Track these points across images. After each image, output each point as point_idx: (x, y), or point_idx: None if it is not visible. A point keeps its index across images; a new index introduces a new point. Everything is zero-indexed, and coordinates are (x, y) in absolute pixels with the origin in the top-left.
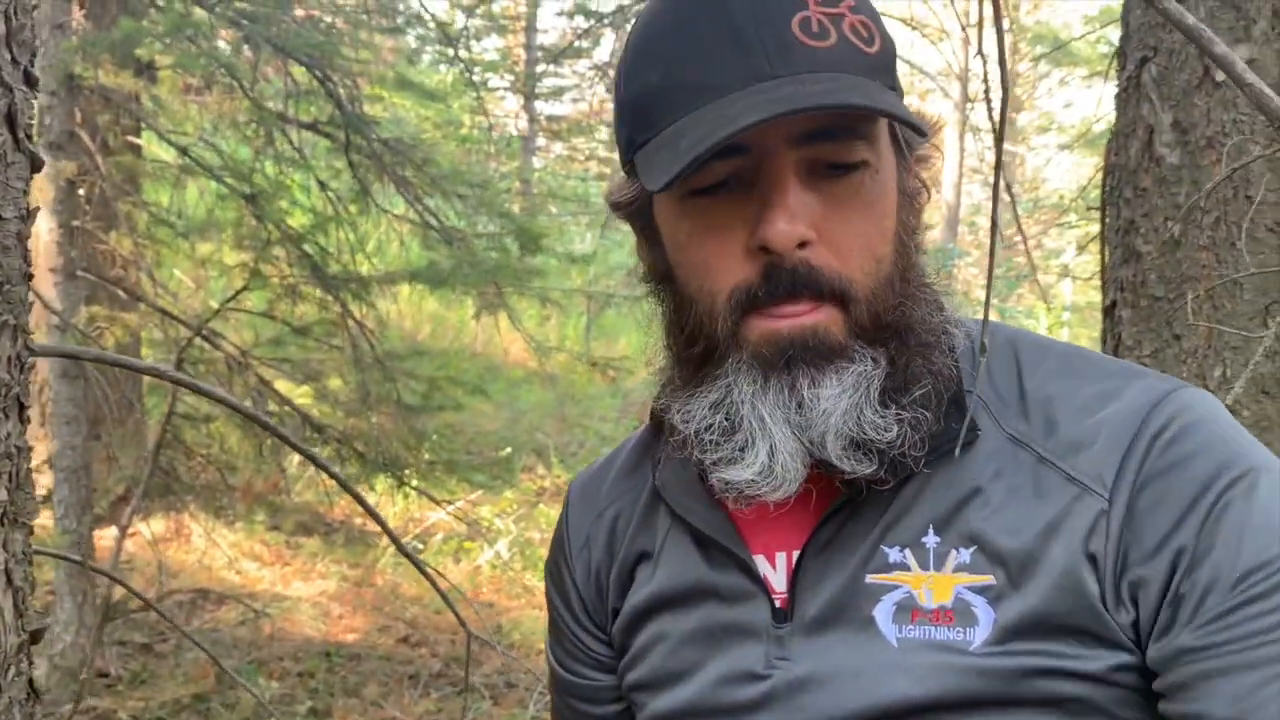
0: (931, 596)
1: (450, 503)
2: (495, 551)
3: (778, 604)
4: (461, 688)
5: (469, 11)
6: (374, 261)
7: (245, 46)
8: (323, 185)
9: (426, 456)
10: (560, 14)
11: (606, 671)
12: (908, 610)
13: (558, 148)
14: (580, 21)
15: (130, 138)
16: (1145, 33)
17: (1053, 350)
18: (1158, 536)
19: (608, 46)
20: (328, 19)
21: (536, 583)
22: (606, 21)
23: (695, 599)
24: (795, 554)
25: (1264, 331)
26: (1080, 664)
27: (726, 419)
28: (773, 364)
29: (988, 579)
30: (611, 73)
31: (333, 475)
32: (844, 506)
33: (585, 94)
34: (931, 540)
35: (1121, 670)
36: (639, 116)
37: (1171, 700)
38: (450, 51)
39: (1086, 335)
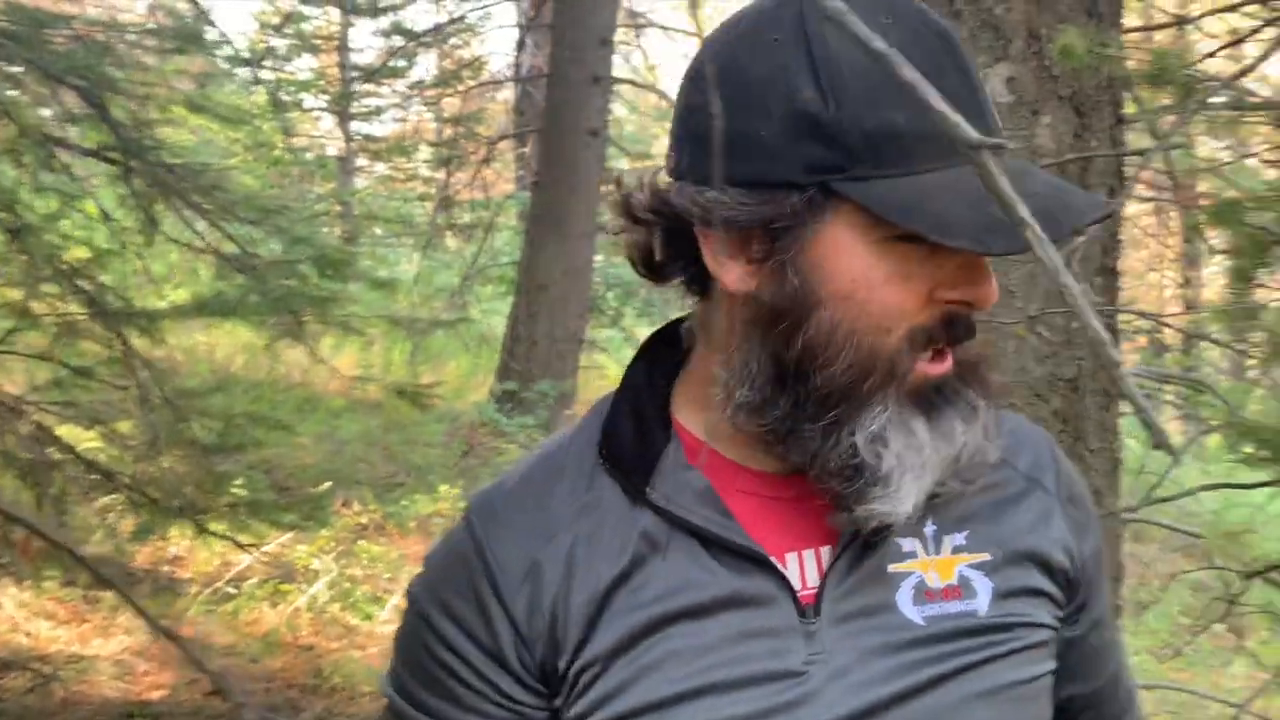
0: (938, 578)
1: (257, 546)
2: (312, 594)
3: (802, 602)
4: None
5: (277, 30)
6: (168, 294)
7: (9, 68)
8: (106, 215)
9: (228, 499)
10: (376, 33)
11: None
12: (922, 592)
13: (380, 168)
14: (397, 40)
15: None
16: None
17: None
18: (1084, 535)
19: (425, 65)
20: (106, 38)
21: (358, 622)
22: (422, 40)
23: (713, 610)
24: (807, 553)
25: (1033, 337)
26: (1044, 617)
27: (886, 452)
28: (934, 404)
29: (984, 556)
30: (430, 91)
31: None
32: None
33: (405, 113)
34: (930, 528)
35: (1056, 621)
36: (874, 149)
37: (1077, 661)
38: (253, 72)
39: None
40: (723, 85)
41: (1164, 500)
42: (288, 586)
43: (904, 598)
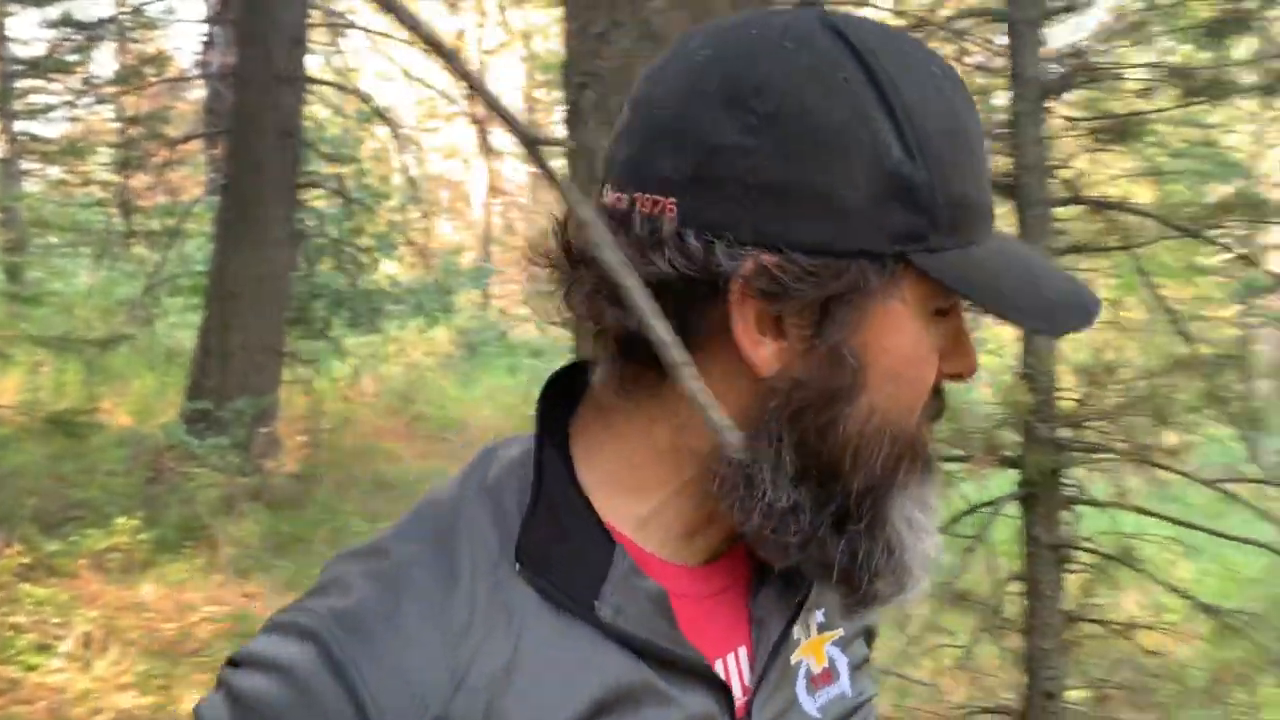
0: (815, 663)
1: None
2: None
3: (737, 713)
4: None
5: None
6: None
7: None
8: None
9: None
10: (42, 24)
11: None
12: (810, 679)
13: (53, 171)
14: (68, 33)
15: None
16: (582, 60)
17: None
18: None
19: (102, 61)
20: None
21: (21, 675)
22: (95, 33)
23: None
24: (730, 657)
25: None
26: (874, 688)
27: (922, 533)
28: (929, 468)
29: (839, 632)
30: (108, 88)
31: None
32: (762, 602)
33: (79, 111)
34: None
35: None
36: (951, 219)
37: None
38: None
39: None
40: (784, 127)
41: None
42: None
43: (801, 689)
